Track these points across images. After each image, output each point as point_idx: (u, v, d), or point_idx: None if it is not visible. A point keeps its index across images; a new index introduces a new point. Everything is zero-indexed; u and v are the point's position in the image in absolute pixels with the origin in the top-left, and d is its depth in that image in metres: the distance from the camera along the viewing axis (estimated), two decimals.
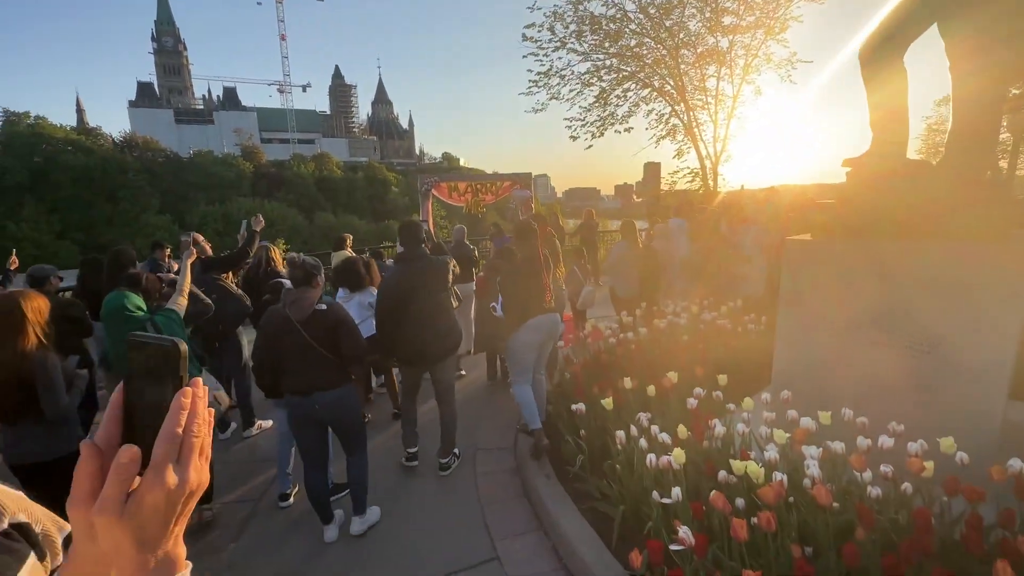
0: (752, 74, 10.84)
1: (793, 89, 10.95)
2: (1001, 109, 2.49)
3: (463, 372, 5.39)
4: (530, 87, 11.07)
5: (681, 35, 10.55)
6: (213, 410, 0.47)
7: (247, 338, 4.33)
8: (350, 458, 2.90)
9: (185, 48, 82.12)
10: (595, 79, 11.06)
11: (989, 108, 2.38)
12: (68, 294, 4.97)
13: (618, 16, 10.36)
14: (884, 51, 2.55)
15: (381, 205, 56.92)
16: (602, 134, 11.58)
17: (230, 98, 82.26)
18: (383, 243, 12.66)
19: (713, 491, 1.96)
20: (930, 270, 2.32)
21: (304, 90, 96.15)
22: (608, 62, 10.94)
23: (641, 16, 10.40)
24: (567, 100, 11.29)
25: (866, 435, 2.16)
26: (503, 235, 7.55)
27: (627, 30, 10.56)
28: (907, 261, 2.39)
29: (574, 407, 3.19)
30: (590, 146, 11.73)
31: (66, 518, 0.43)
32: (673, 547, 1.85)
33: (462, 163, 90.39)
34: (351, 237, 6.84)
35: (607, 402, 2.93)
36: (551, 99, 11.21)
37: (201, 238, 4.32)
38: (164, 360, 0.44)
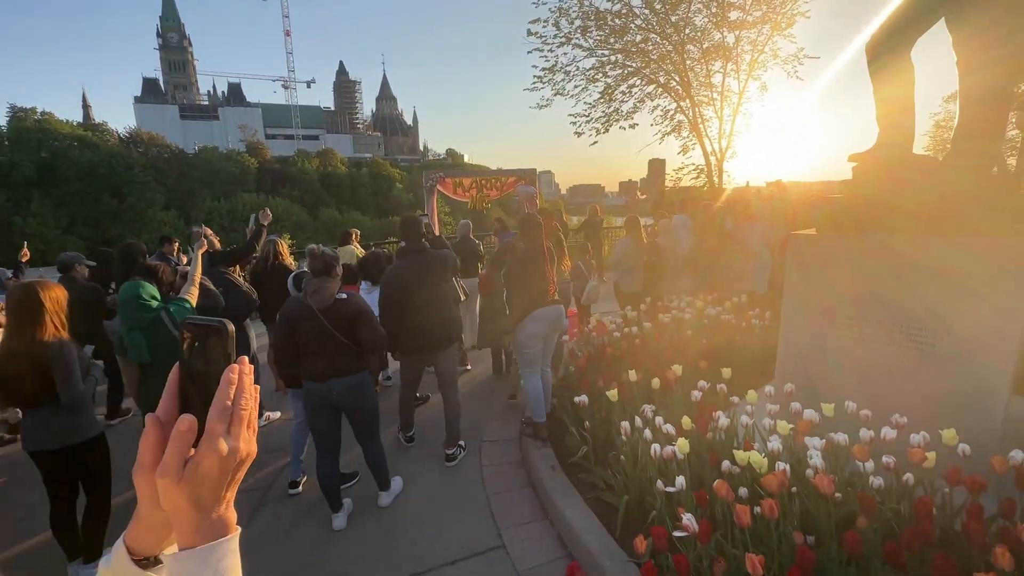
0: (758, 70, 10.80)
1: (799, 85, 10.89)
2: (1009, 105, 2.49)
3: (469, 367, 5.44)
4: (535, 83, 11.06)
5: (687, 30, 10.50)
6: (258, 386, 0.51)
7: (255, 331, 4.39)
8: (365, 445, 2.99)
9: (190, 44, 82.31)
10: (600, 75, 11.04)
11: (996, 103, 2.38)
12: None
13: (623, 11, 10.33)
14: (891, 46, 2.55)
15: (385, 201, 57.03)
16: (607, 130, 11.56)
17: (235, 94, 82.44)
18: (387, 239, 12.69)
19: (717, 480, 1.99)
20: (936, 265, 2.34)
21: (308, 86, 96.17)
22: (613, 58, 10.91)
23: (647, 11, 10.36)
24: (572, 96, 11.28)
25: (869, 427, 2.18)
26: (507, 230, 7.56)
27: (632, 25, 10.52)
28: (913, 256, 2.41)
29: (578, 399, 3.23)
30: (595, 142, 11.72)
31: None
32: (677, 534, 1.89)
33: (466, 159, 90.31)
34: (358, 232, 6.87)
35: (612, 394, 2.96)
36: (556, 95, 11.19)
37: (209, 231, 4.37)
38: (215, 339, 0.48)
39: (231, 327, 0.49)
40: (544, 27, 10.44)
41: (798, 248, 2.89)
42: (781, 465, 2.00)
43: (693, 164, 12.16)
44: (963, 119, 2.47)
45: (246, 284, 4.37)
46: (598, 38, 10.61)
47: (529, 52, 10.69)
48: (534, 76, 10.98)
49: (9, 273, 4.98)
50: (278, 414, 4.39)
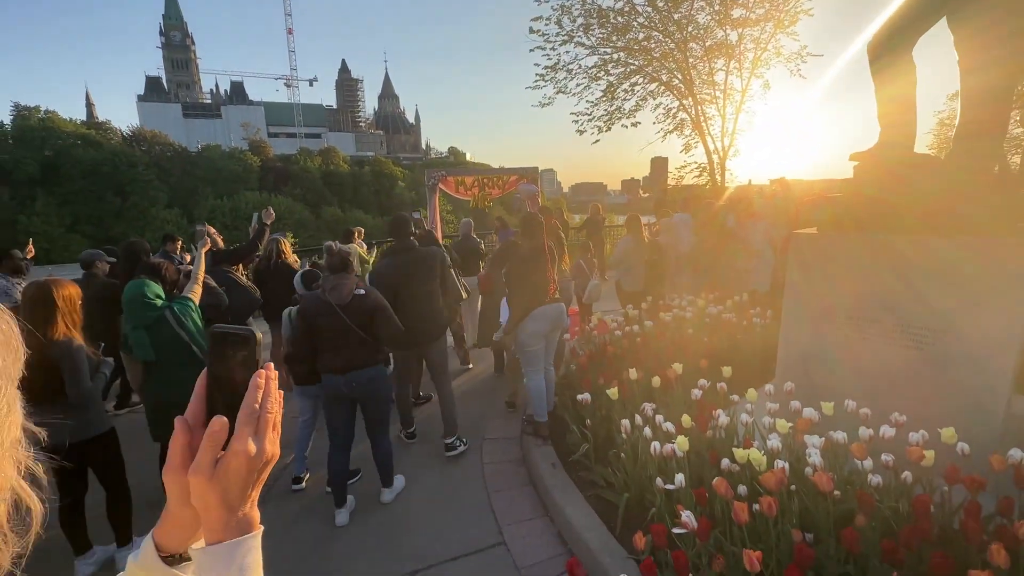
0: (761, 68, 10.76)
1: (802, 83, 10.83)
2: (1010, 104, 2.49)
3: (471, 365, 5.46)
4: (537, 81, 11.06)
5: (689, 28, 10.47)
6: (282, 392, 0.53)
7: (259, 330, 4.42)
8: (376, 439, 3.06)
9: (193, 43, 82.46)
10: (602, 73, 11.02)
11: (998, 102, 2.38)
12: None
13: (626, 9, 10.30)
14: (893, 45, 2.55)
15: (387, 200, 57.07)
16: (609, 128, 11.54)
17: (237, 92, 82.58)
18: (389, 238, 12.68)
19: (716, 478, 2.01)
20: (937, 263, 2.34)
21: (311, 84, 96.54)
22: (616, 56, 10.88)
23: (649, 9, 10.34)
24: (574, 94, 11.26)
25: (868, 425, 2.19)
26: (507, 228, 7.56)
27: (635, 23, 10.49)
28: (914, 254, 2.41)
29: (579, 397, 3.24)
30: (597, 141, 11.70)
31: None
32: (676, 530, 1.90)
33: (468, 158, 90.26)
34: (362, 230, 6.88)
35: (612, 392, 2.98)
36: (558, 93, 11.18)
37: (213, 230, 4.41)
38: (242, 347, 0.51)
39: (259, 335, 0.52)
40: (546, 25, 10.44)
41: (799, 247, 2.90)
42: (780, 463, 2.01)
43: (696, 162, 12.14)
44: (964, 118, 2.47)
45: (249, 283, 4.40)
46: (600, 36, 10.59)
47: (531, 50, 10.69)
48: (536, 74, 10.99)
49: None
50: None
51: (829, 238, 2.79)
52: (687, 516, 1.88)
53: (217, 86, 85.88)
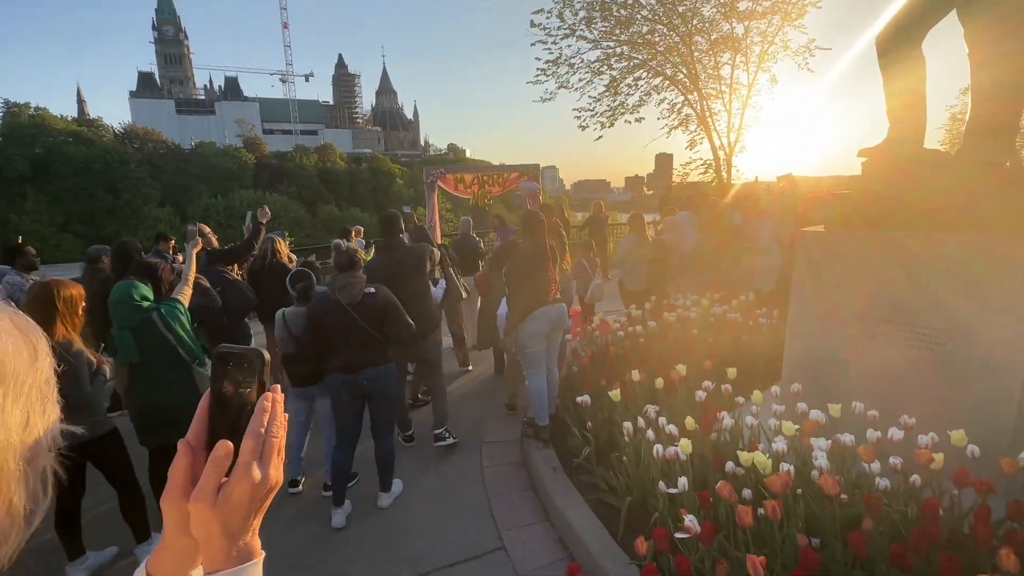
0: (768, 61, 10.76)
1: (809, 77, 10.82)
2: (1022, 98, 2.49)
3: (470, 367, 5.47)
4: (538, 76, 11.07)
5: (695, 21, 10.47)
6: (287, 415, 0.52)
7: (254, 331, 4.43)
8: (380, 438, 3.10)
9: (186, 37, 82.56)
10: (605, 67, 11.03)
11: (1009, 97, 2.39)
12: None
13: (629, 2, 10.30)
14: (902, 39, 2.56)
15: (385, 197, 57.00)
16: (612, 124, 11.56)
17: (232, 88, 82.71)
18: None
19: (720, 481, 2.01)
20: (947, 261, 2.34)
21: (307, 80, 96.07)
22: (619, 50, 10.89)
23: (653, 2, 10.35)
24: (576, 89, 11.27)
25: (876, 428, 2.20)
26: (506, 226, 7.57)
27: (638, 16, 10.50)
28: (923, 252, 2.41)
29: (580, 399, 3.25)
30: (600, 137, 11.72)
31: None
32: (679, 535, 1.91)
33: (468, 155, 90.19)
34: (361, 229, 6.88)
35: (614, 394, 2.98)
36: (560, 88, 11.19)
37: (208, 229, 4.42)
38: (248, 367, 0.50)
39: (267, 356, 0.51)
40: (548, 18, 10.45)
41: (807, 245, 2.90)
42: (786, 466, 2.02)
43: (701, 159, 12.16)
44: (975, 113, 2.47)
45: (245, 283, 4.41)
46: (603, 29, 10.60)
47: (532, 44, 10.70)
48: (537, 68, 11.01)
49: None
50: None
51: (837, 236, 2.79)
52: (690, 520, 1.89)
53: (211, 82, 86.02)
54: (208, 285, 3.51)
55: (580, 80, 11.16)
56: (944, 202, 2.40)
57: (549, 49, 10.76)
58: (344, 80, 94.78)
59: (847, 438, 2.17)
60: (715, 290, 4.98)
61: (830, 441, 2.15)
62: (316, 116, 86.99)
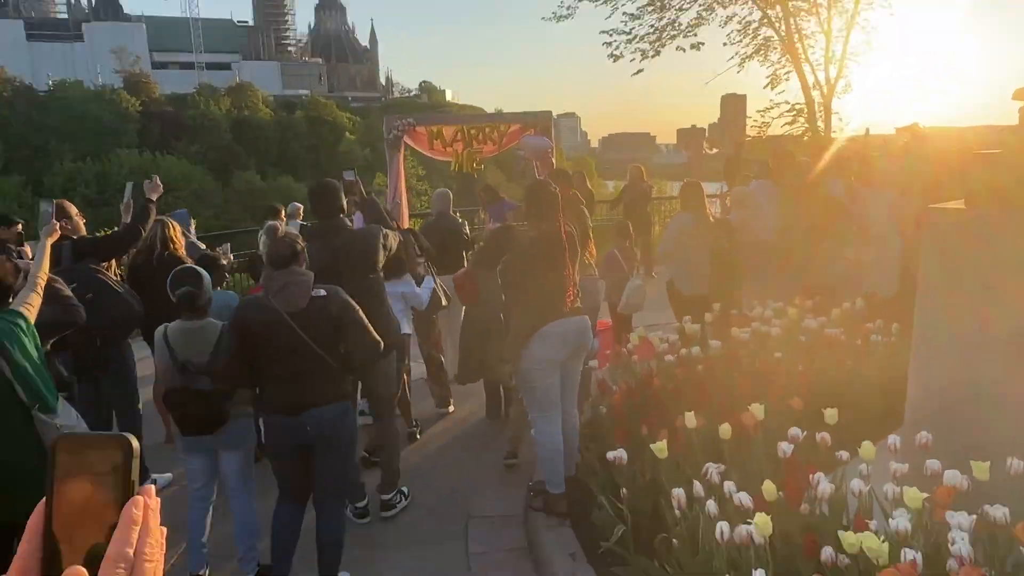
0: None
1: None
2: None
3: (451, 408, 5.47)
4: None
5: None
6: (164, 529, 0.50)
7: (138, 355, 4.44)
8: (325, 506, 3.08)
9: None
10: None
11: None
12: None
13: None
14: None
15: (330, 160, 57.13)
16: (658, 52, 11.62)
17: (108, 4, 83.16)
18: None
19: (814, 575, 2.01)
20: None
21: None
22: None
23: None
24: (606, 3, 11.30)
25: None
26: (501, 201, 7.54)
27: None
28: None
29: (611, 455, 3.25)
30: (639, 71, 11.76)
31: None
32: None
33: (449, 98, 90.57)
34: (300, 208, 6.91)
35: (660, 447, 2.98)
36: (582, 1, 11.24)
37: (73, 208, 4.43)
38: (106, 463, 0.47)
39: (135, 444, 0.48)
40: None
41: (940, 230, 2.91)
42: (910, 553, 2.01)
43: (787, 102, 12.18)
44: None
45: (125, 287, 4.42)
46: None
47: None
48: None
49: None
50: (169, 477, 4.44)
51: (984, 217, 2.79)
52: None
53: None
54: (68, 292, 3.50)
55: None
56: None
57: None
58: None
59: (999, 511, 2.16)
60: (807, 295, 4.98)
61: (974, 516, 2.15)
62: (230, 43, 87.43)
